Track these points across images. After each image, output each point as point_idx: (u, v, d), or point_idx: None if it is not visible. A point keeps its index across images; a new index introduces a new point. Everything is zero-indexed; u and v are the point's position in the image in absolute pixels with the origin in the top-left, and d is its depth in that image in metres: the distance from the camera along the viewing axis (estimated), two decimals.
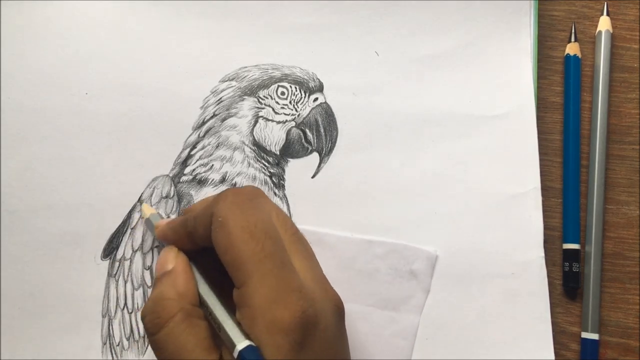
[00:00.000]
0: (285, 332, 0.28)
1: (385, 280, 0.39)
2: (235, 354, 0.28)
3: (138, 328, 0.39)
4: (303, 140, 0.41)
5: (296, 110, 0.41)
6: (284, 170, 0.41)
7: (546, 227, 0.40)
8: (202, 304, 0.32)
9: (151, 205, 0.40)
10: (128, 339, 0.38)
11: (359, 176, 0.41)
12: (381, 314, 0.38)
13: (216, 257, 0.31)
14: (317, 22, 0.43)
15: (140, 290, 0.39)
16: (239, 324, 0.29)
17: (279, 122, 0.41)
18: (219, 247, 0.30)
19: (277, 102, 0.41)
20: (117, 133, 0.41)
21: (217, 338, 0.30)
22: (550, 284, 0.39)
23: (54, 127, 0.41)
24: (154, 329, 0.30)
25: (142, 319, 0.31)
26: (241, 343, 0.28)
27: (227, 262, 0.30)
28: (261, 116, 0.41)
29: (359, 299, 0.38)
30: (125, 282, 0.39)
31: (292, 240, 0.32)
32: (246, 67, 0.42)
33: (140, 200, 0.39)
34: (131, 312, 0.39)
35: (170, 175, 0.40)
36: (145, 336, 0.38)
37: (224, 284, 0.31)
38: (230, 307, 0.31)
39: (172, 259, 0.33)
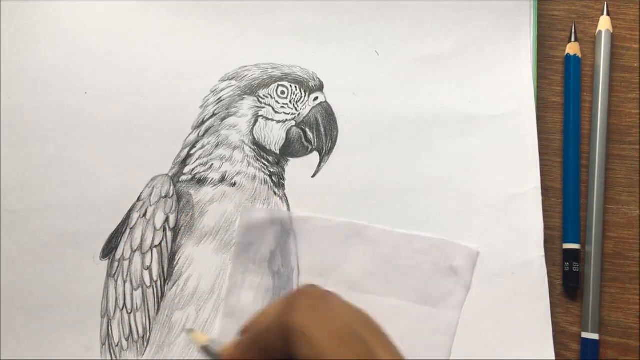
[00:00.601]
0: None
1: (426, 276, 0.39)
2: None
3: (137, 328, 0.38)
4: (303, 140, 0.41)
5: (296, 110, 0.41)
6: (284, 170, 0.41)
7: (546, 227, 0.40)
8: None
9: (151, 205, 0.39)
10: (127, 339, 0.38)
11: (359, 176, 0.41)
12: (421, 309, 0.38)
13: None
14: (317, 22, 0.43)
15: (139, 290, 0.39)
16: None
17: (279, 122, 0.41)
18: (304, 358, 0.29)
19: (277, 102, 0.41)
20: (117, 133, 0.41)
21: None
22: (550, 284, 0.39)
23: (54, 127, 0.40)
24: None
25: None
26: None
27: None
28: (261, 115, 0.41)
29: (399, 293, 0.38)
30: (124, 282, 0.39)
31: (371, 333, 0.31)
32: (246, 66, 0.42)
33: (187, 330, 0.38)
34: (130, 312, 0.39)
35: (170, 174, 0.40)
36: (144, 336, 0.38)
37: None
38: None
39: None
